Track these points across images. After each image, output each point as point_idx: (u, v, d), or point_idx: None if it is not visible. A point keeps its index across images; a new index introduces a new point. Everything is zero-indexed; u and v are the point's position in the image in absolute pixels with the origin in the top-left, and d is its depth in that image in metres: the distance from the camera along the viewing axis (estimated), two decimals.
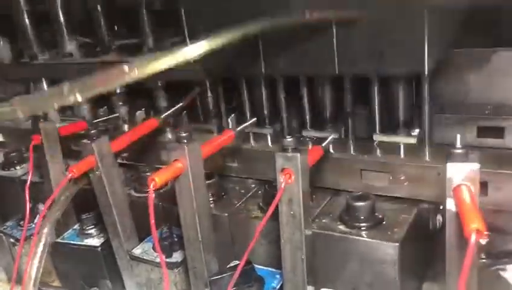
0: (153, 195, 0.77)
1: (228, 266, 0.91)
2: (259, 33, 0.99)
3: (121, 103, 1.36)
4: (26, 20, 1.49)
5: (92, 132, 0.93)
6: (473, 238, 0.57)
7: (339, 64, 0.95)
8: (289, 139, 0.77)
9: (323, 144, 0.93)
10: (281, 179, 0.77)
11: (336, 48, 0.94)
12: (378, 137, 1.01)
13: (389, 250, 0.86)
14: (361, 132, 1.09)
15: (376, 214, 0.92)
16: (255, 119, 1.08)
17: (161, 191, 1.15)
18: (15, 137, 1.55)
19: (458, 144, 0.68)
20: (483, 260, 0.98)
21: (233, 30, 0.74)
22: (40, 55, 1.51)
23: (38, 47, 1.51)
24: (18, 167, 1.40)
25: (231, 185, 1.14)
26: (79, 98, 0.67)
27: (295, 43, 0.98)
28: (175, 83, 1.30)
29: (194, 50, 0.68)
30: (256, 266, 0.94)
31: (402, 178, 0.96)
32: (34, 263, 0.86)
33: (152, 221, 0.80)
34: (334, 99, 1.08)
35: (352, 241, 0.89)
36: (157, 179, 0.78)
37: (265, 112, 1.15)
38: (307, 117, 1.11)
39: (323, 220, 0.95)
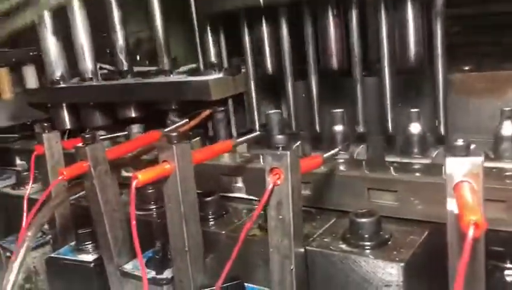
0: (134, 192, 0.73)
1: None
2: None
3: (135, 131, 1.37)
4: (51, 48, 1.53)
5: (87, 136, 0.91)
6: (470, 231, 0.50)
7: None
8: (280, 136, 0.72)
9: (325, 155, 0.87)
10: (269, 180, 0.71)
11: None
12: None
13: (392, 271, 0.77)
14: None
15: (382, 233, 0.84)
16: (258, 133, 1.03)
17: (162, 209, 1.11)
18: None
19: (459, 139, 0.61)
20: None
21: None
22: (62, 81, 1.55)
23: (61, 72, 1.55)
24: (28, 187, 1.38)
25: (234, 205, 1.09)
26: None
27: None
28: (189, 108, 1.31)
29: None
30: (250, 285, 0.87)
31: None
32: (14, 266, 0.82)
33: (133, 222, 0.75)
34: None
35: (353, 261, 0.81)
36: (141, 176, 0.74)
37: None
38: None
39: (325, 239, 0.88)
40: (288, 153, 0.70)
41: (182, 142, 0.80)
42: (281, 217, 0.72)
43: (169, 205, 0.82)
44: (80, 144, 0.91)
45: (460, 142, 0.60)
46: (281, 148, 0.72)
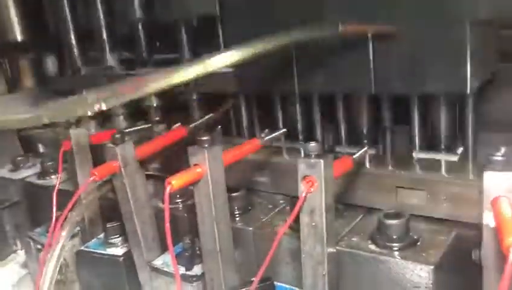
0: (168, 197, 0.74)
1: (248, 281, 0.86)
2: (293, 47, 0.99)
3: (157, 118, 1.37)
4: (72, 37, 1.53)
5: (117, 136, 0.92)
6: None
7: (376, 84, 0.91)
8: (312, 144, 0.72)
9: (355, 156, 0.87)
10: (302, 188, 0.72)
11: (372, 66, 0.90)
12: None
13: (421, 273, 0.78)
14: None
15: (410, 234, 0.85)
16: (284, 130, 1.03)
17: (188, 202, 1.12)
18: (54, 148, 1.57)
19: (498, 152, 0.61)
20: None
21: (263, 40, 0.71)
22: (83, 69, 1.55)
23: (81, 61, 1.55)
24: (53, 176, 1.40)
25: (259, 200, 1.10)
26: (103, 107, 0.65)
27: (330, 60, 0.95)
28: (211, 98, 1.30)
29: (223, 59, 0.65)
30: (279, 284, 0.89)
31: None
32: (50, 265, 0.84)
33: (167, 224, 0.76)
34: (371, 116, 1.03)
35: (382, 262, 0.82)
36: (174, 182, 0.75)
37: (299, 127, 1.11)
38: (342, 133, 1.06)
39: (353, 239, 0.89)
40: (322, 161, 0.71)
41: (213, 145, 0.80)
42: (314, 223, 0.73)
43: (200, 207, 0.83)
44: (109, 144, 0.92)
45: (498, 155, 0.60)
46: (313, 155, 0.72)
